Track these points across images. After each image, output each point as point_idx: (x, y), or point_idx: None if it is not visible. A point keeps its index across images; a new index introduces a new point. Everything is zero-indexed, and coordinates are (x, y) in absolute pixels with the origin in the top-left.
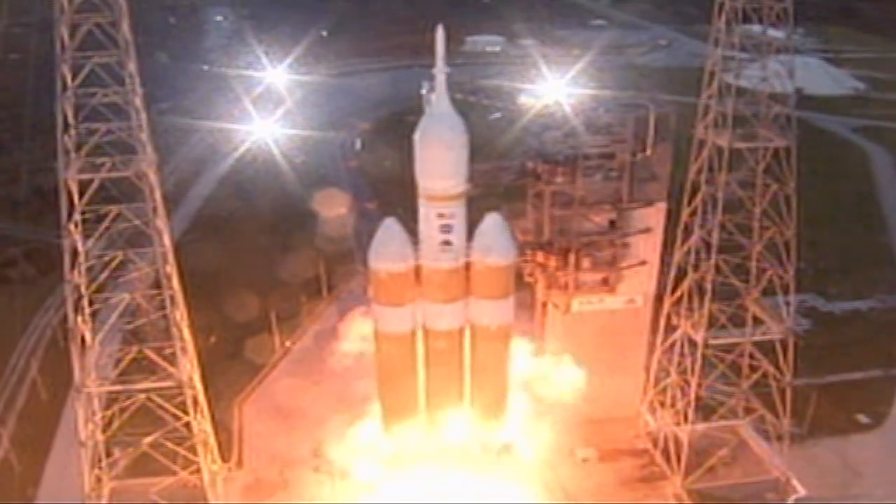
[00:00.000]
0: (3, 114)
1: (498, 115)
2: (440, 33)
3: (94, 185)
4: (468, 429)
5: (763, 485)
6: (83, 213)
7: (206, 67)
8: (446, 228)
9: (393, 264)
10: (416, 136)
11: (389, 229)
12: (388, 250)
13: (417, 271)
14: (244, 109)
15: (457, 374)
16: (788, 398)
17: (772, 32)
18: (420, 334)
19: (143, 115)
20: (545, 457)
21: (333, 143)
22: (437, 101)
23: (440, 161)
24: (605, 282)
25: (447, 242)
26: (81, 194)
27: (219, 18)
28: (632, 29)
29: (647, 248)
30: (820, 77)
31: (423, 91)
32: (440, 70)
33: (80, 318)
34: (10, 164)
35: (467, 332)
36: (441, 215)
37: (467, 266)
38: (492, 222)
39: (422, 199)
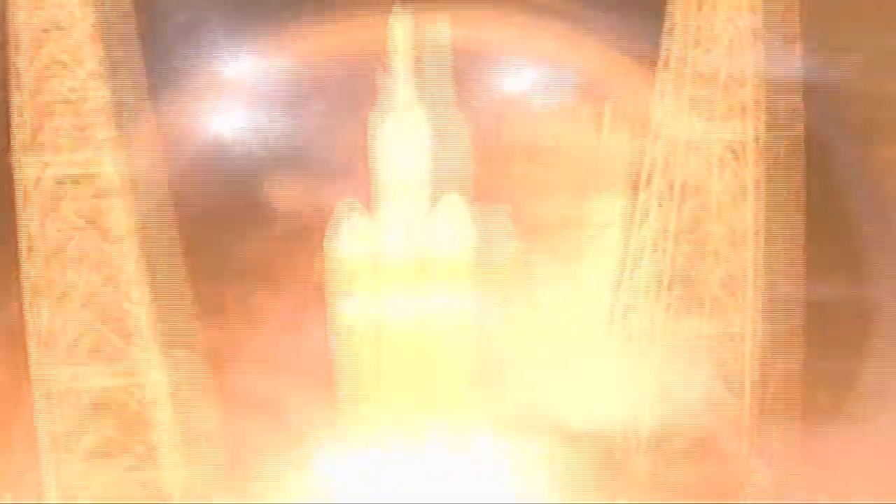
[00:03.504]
0: None
1: None
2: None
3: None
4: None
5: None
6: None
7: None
8: None
9: (351, 249)
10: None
11: (348, 211)
12: (346, 234)
13: (377, 257)
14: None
15: (419, 365)
16: (748, 388)
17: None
18: (381, 323)
19: (104, 101)
20: None
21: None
22: None
23: None
24: None
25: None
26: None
27: None
28: None
29: None
30: None
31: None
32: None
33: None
34: None
35: (430, 322)
36: None
37: (428, 254)
38: (450, 205)
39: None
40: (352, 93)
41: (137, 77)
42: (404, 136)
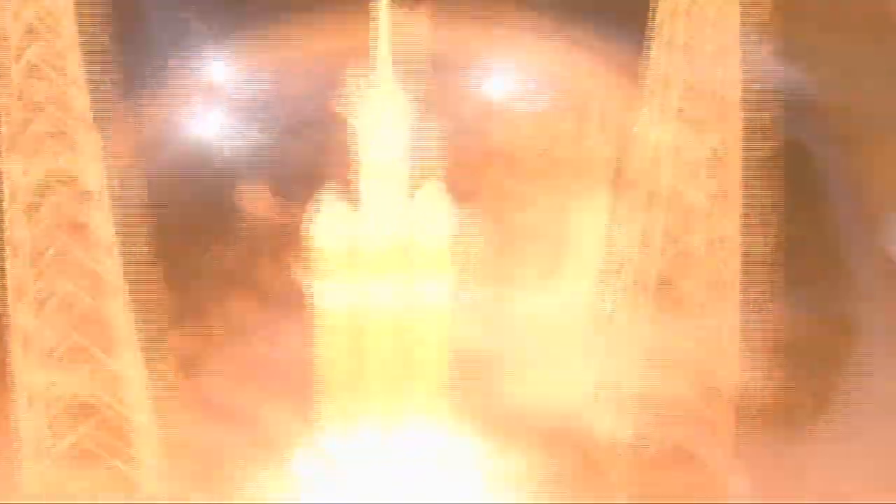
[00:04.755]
0: None
1: None
2: None
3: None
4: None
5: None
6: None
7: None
8: None
9: (331, 237)
10: None
11: (327, 199)
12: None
13: (356, 245)
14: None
15: (399, 352)
16: (727, 393)
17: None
18: (361, 310)
19: (84, 106)
20: None
21: None
22: None
23: None
24: None
25: None
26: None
27: None
28: None
29: None
30: None
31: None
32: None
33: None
34: None
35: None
36: None
37: (408, 242)
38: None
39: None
40: (330, 97)
41: (118, 82)
42: (384, 120)
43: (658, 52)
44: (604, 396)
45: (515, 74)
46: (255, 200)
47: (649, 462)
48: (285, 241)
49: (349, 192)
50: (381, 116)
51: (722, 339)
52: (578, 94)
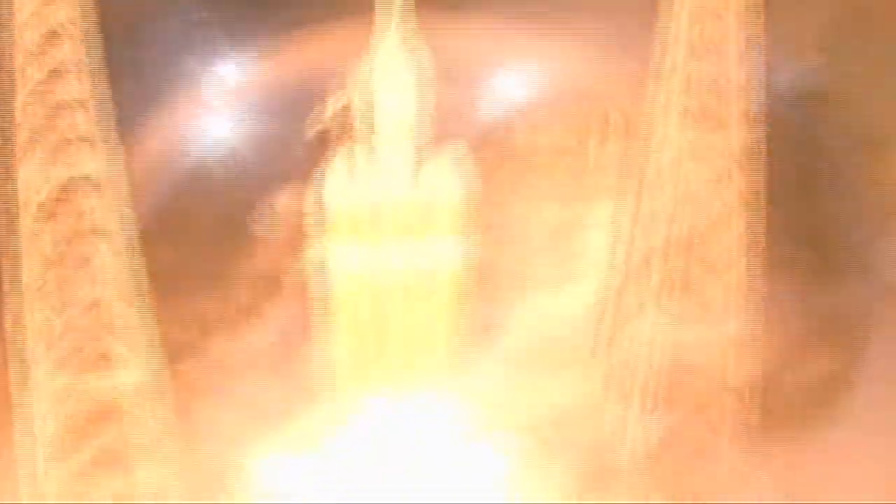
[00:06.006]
0: None
1: None
2: None
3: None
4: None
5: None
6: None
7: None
8: None
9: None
10: None
11: (342, 160)
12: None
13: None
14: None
15: (418, 318)
16: (746, 393)
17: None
18: (377, 274)
19: (101, 108)
20: None
21: None
22: None
23: None
24: None
25: None
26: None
27: None
28: None
29: None
30: None
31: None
32: None
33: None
34: None
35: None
36: None
37: (424, 202)
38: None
39: None
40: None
41: (134, 85)
42: (401, 74)
43: (668, 50)
44: (617, 394)
45: (529, 77)
46: (278, 203)
47: (669, 461)
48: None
49: (363, 153)
50: (397, 73)
51: (741, 339)
52: (591, 95)
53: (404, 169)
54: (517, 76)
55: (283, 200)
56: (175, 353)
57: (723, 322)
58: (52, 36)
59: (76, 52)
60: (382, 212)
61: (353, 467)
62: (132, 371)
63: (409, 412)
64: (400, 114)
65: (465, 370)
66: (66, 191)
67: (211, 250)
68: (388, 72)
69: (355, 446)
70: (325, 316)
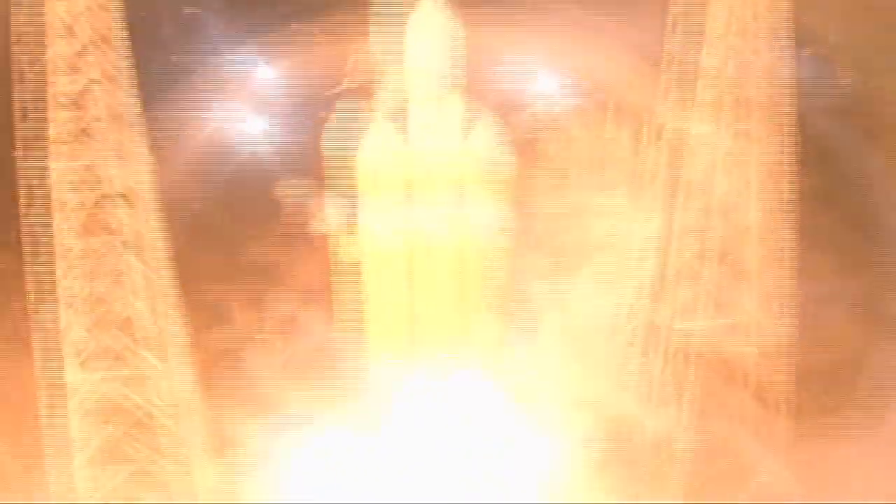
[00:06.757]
0: None
1: None
2: None
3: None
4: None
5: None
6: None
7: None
8: None
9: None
10: None
11: (377, 123)
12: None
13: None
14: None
15: (450, 288)
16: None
17: None
18: (411, 241)
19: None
20: None
21: None
22: None
23: None
24: None
25: None
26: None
27: None
28: None
29: None
30: None
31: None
32: None
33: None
34: None
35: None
36: None
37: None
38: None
39: None
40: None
41: (139, 81)
42: (436, 39)
43: (677, 42)
44: (631, 390)
45: (540, 70)
46: (286, 199)
47: (679, 455)
48: (315, 238)
49: (399, 119)
50: (431, 31)
51: (750, 331)
52: (602, 86)
53: (438, 134)
54: (528, 70)
55: (290, 197)
56: (209, 362)
57: (733, 313)
58: (67, 30)
59: (91, 48)
60: (415, 177)
61: (387, 445)
62: (145, 367)
63: (443, 388)
64: (433, 76)
65: (500, 347)
66: (81, 186)
67: (215, 247)
68: (424, 36)
69: (389, 423)
70: (354, 295)
